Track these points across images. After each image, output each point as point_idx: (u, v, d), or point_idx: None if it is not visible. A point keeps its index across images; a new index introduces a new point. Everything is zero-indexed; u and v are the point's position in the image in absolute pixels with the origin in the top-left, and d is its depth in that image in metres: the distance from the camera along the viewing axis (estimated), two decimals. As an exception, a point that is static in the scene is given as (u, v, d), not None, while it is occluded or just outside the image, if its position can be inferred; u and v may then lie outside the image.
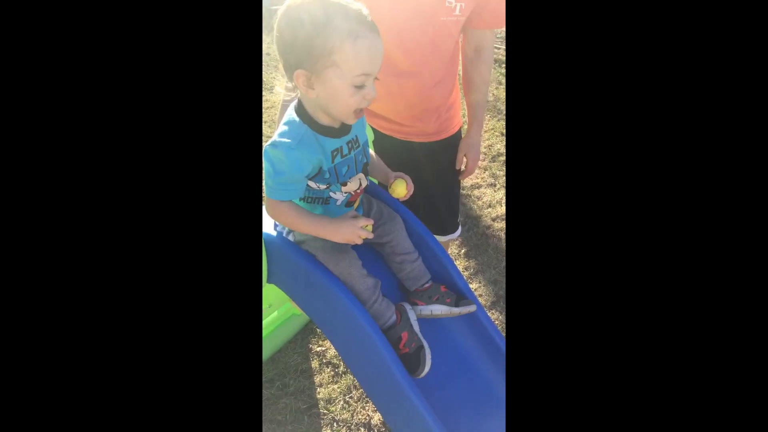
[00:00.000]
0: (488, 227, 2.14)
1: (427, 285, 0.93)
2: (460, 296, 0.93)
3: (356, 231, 0.78)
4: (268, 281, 0.91)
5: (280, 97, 0.95)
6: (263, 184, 0.77)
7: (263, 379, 1.41)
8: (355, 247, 0.88)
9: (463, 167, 1.24)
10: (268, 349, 1.47)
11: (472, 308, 0.93)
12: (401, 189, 0.89)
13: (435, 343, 0.86)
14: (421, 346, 0.82)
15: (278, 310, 1.46)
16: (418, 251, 0.95)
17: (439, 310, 0.90)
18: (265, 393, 1.38)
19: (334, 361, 1.48)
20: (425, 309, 0.90)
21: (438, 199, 1.23)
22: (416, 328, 0.85)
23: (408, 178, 0.91)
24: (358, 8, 0.68)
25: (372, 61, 0.69)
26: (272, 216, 0.81)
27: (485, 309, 1.20)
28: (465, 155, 1.22)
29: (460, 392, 0.88)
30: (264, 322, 1.42)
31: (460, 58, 1.15)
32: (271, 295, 1.21)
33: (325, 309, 0.83)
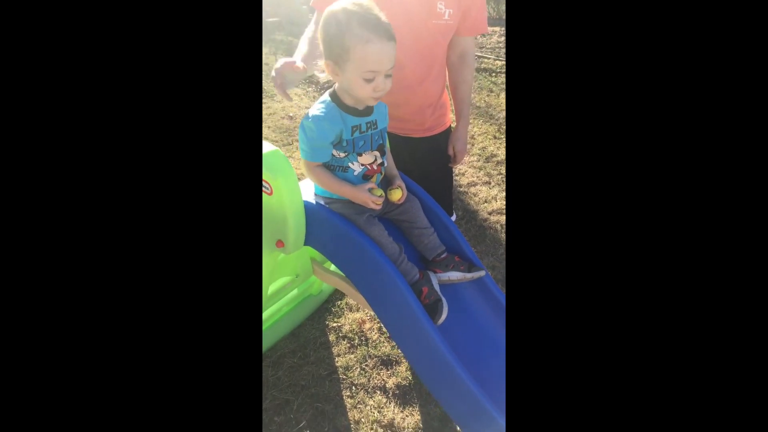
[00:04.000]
0: (485, 220, 2.31)
1: (443, 255, 1.08)
2: (471, 264, 1.10)
3: (369, 197, 0.96)
4: (305, 243, 1.06)
5: (283, 103, 1.16)
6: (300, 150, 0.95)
7: (286, 350, 1.55)
8: (381, 221, 1.04)
9: (452, 156, 1.43)
10: (289, 324, 1.61)
11: (482, 273, 1.09)
12: (396, 195, 1.04)
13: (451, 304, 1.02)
14: (439, 299, 0.97)
15: (298, 288, 1.60)
16: (434, 228, 1.11)
17: (455, 276, 1.07)
18: (289, 362, 1.51)
19: (350, 335, 1.62)
20: (443, 275, 1.06)
21: (436, 185, 1.40)
22: (437, 287, 1.00)
23: (405, 189, 1.06)
24: (376, 15, 0.84)
25: (378, 61, 0.85)
26: (307, 175, 0.98)
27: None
28: (453, 146, 1.41)
29: (468, 337, 1.03)
30: (287, 297, 1.56)
31: (447, 64, 1.33)
32: (298, 265, 1.36)
33: (360, 264, 0.99)
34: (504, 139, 3.13)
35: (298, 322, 1.64)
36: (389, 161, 1.09)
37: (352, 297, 1.45)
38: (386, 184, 1.08)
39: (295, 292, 1.60)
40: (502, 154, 2.93)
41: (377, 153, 1.01)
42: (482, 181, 2.65)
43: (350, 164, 0.98)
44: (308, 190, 1.06)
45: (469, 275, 1.07)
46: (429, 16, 1.15)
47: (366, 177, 1.00)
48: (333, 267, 1.47)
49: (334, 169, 0.99)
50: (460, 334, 1.02)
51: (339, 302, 1.76)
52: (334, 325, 1.66)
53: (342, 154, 0.96)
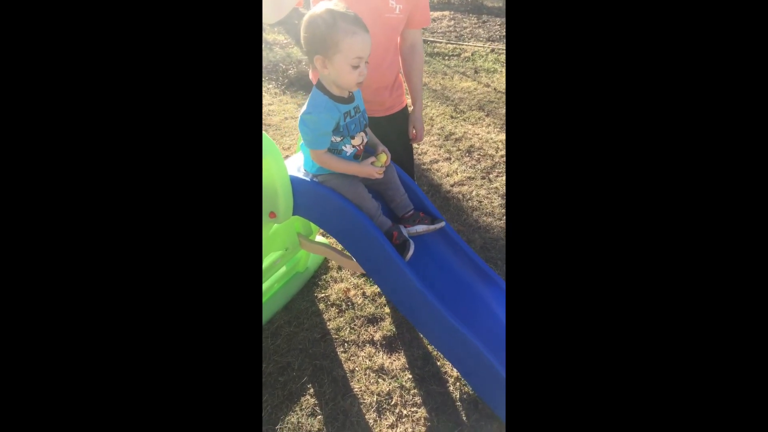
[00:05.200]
0: (448, 192, 2.54)
1: (411, 212, 1.29)
2: (434, 218, 1.31)
3: (372, 170, 1.17)
4: (294, 214, 1.23)
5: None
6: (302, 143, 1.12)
7: (282, 322, 1.72)
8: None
9: (413, 136, 1.66)
10: (281, 300, 1.77)
11: (442, 224, 1.31)
12: (382, 159, 1.23)
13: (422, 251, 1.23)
14: (407, 240, 1.18)
15: (286, 266, 1.77)
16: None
17: (421, 228, 1.28)
18: (285, 331, 1.68)
19: (337, 302, 1.80)
20: (412, 229, 1.27)
21: (400, 157, 1.61)
22: (403, 232, 1.21)
23: (388, 152, 1.26)
24: (354, 13, 1.04)
25: (363, 49, 1.04)
26: (318, 162, 1.16)
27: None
28: (414, 127, 1.64)
29: (434, 273, 1.25)
30: (277, 275, 1.73)
31: (400, 54, 1.54)
32: (287, 240, 1.53)
33: (344, 224, 1.18)
34: (459, 117, 3.36)
35: (290, 297, 1.81)
36: (370, 134, 1.29)
37: (337, 261, 1.63)
38: (369, 153, 1.27)
39: (284, 270, 1.77)
40: (459, 132, 3.16)
41: (363, 133, 1.20)
42: (443, 158, 2.87)
43: (343, 147, 1.16)
44: (292, 167, 1.23)
45: (432, 227, 1.30)
46: (383, 10, 1.35)
47: (356, 157, 1.20)
48: (320, 239, 1.64)
49: (330, 152, 1.16)
50: (430, 274, 1.24)
51: (324, 276, 1.94)
52: (322, 295, 1.84)
53: (338, 138, 1.15)
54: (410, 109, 1.65)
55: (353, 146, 1.18)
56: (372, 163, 1.18)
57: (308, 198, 1.20)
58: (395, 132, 1.59)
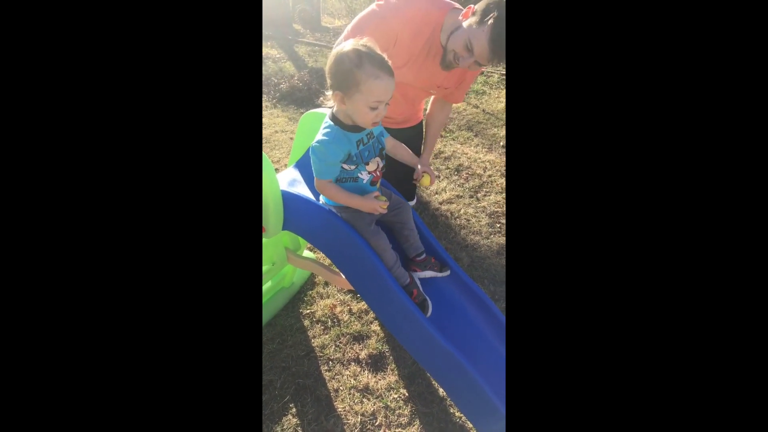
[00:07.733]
0: (437, 209, 2.55)
1: (423, 257, 1.30)
2: (443, 264, 1.33)
3: (376, 204, 1.14)
4: (284, 228, 1.22)
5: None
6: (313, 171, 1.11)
7: (266, 339, 1.68)
8: (380, 226, 1.24)
9: (425, 180, 1.79)
10: (266, 316, 1.74)
11: (448, 273, 1.33)
12: (427, 181, 1.22)
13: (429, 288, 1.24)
14: (425, 299, 1.19)
15: (272, 280, 1.74)
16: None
17: (430, 273, 1.30)
18: (268, 348, 1.65)
19: (323, 319, 1.78)
20: (422, 274, 1.29)
21: (405, 169, 1.64)
22: (420, 288, 1.22)
23: (433, 172, 1.26)
24: (380, 55, 1.03)
25: (384, 94, 1.03)
26: (321, 192, 1.14)
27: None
28: (425, 171, 1.71)
29: (450, 319, 1.24)
30: (264, 287, 1.69)
31: (430, 101, 1.77)
32: (274, 254, 1.51)
33: (362, 271, 1.16)
34: (448, 137, 3.41)
35: (274, 313, 1.78)
36: (403, 152, 1.29)
37: (325, 277, 1.61)
38: (403, 176, 1.26)
39: (269, 284, 1.74)
40: (448, 150, 3.19)
41: (379, 159, 1.20)
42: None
43: (359, 174, 1.16)
44: (283, 181, 1.22)
45: (440, 274, 1.32)
46: (433, 84, 1.53)
47: (373, 183, 1.19)
48: (307, 254, 1.62)
49: (345, 180, 1.15)
50: (445, 320, 1.24)
51: (310, 292, 1.91)
52: (308, 312, 1.81)
53: (352, 167, 1.13)
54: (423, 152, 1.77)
55: (369, 173, 1.17)
56: (376, 198, 1.16)
57: (332, 234, 1.17)
58: (406, 144, 1.64)
